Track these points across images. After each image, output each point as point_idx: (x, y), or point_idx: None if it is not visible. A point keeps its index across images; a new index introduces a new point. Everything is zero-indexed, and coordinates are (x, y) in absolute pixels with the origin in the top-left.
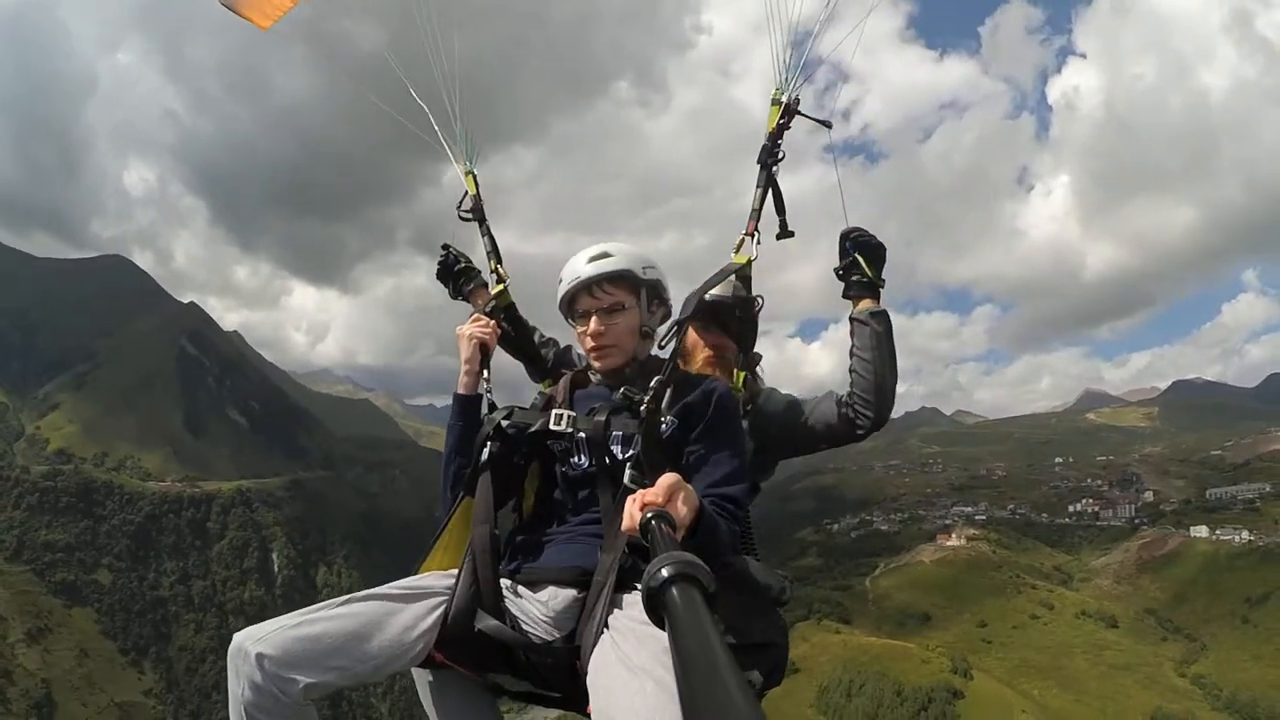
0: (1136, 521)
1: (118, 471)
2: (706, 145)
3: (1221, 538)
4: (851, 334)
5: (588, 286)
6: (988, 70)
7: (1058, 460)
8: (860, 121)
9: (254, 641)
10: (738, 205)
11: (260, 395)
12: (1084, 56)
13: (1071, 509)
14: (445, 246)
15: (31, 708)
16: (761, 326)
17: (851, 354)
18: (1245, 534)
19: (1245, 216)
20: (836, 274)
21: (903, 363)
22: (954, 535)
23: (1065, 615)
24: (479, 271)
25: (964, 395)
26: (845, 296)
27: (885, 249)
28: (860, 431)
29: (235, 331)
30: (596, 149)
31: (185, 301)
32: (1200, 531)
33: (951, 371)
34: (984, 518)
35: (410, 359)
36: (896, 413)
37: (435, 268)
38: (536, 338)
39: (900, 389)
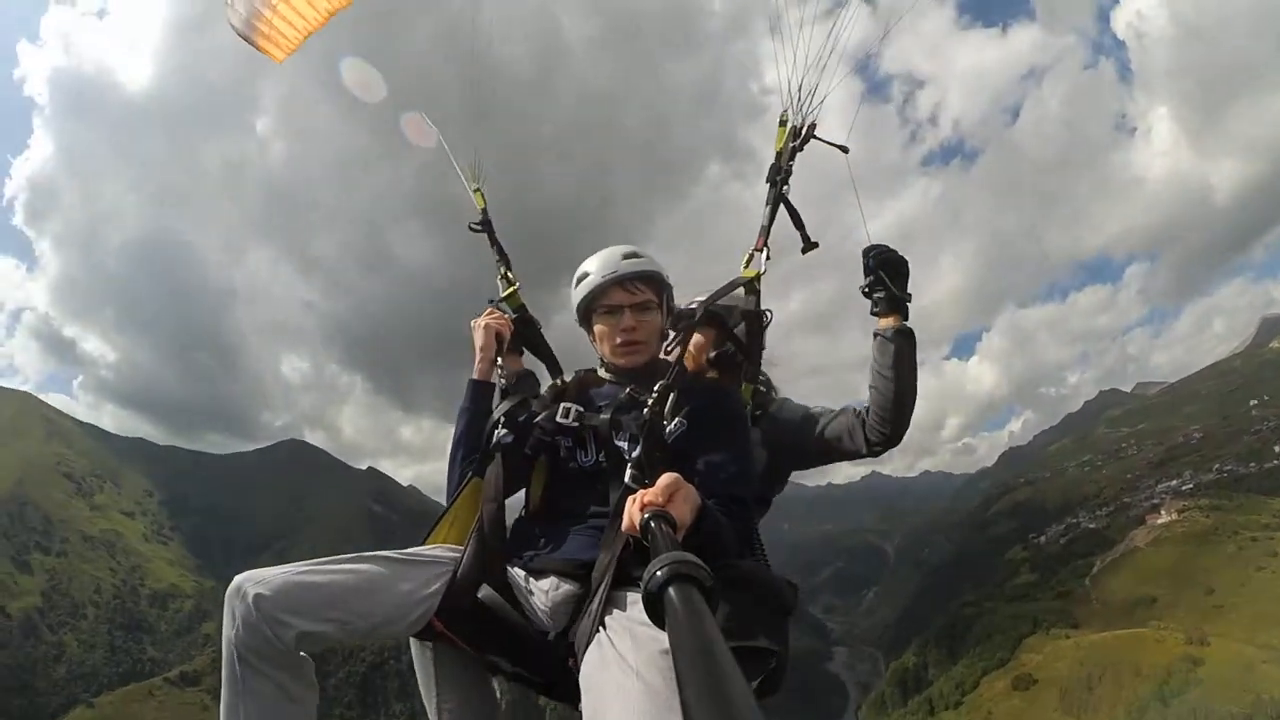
0: None
1: None
2: (807, 193)
3: None
4: (873, 350)
5: (622, 281)
6: (1051, 28)
7: (1253, 403)
8: (949, 121)
9: (253, 583)
10: (852, 241)
11: None
12: None
13: (1278, 449)
14: (491, 302)
15: None
16: (919, 356)
17: (871, 371)
18: None
19: None
20: (862, 292)
21: (1066, 351)
22: (1163, 513)
23: None
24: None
25: (1139, 366)
26: (872, 314)
27: (907, 263)
28: (876, 449)
29: (412, 486)
30: (706, 231)
31: (364, 468)
32: None
33: (1120, 345)
34: (1190, 486)
35: None
36: (1075, 404)
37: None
38: None
39: (1071, 378)
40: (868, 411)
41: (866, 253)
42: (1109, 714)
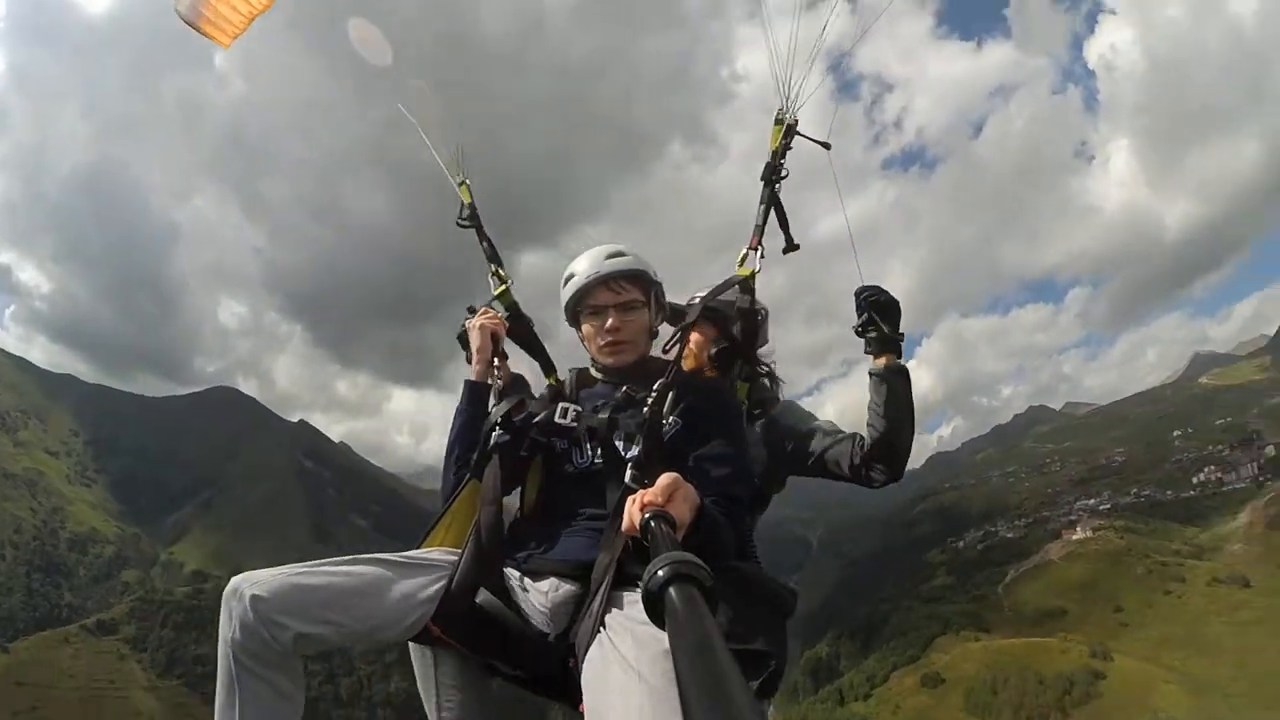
0: (1261, 479)
1: None
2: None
3: None
4: (869, 389)
5: (606, 281)
6: (1025, 49)
7: (1176, 434)
8: (913, 127)
9: (250, 584)
10: (815, 232)
11: (378, 498)
12: (1114, 12)
13: (1195, 480)
14: (471, 309)
15: None
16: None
17: (868, 409)
18: None
19: None
20: (855, 331)
21: (1002, 364)
22: (1079, 529)
23: (1197, 585)
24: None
25: (1072, 385)
26: (866, 353)
27: (898, 304)
28: (875, 485)
29: (343, 442)
30: (661, 211)
31: (295, 420)
32: None
33: (1055, 363)
34: (1108, 507)
35: None
36: (1005, 417)
37: (459, 329)
38: None
39: (1004, 391)
40: (866, 447)
41: (858, 294)
42: (1011, 717)
